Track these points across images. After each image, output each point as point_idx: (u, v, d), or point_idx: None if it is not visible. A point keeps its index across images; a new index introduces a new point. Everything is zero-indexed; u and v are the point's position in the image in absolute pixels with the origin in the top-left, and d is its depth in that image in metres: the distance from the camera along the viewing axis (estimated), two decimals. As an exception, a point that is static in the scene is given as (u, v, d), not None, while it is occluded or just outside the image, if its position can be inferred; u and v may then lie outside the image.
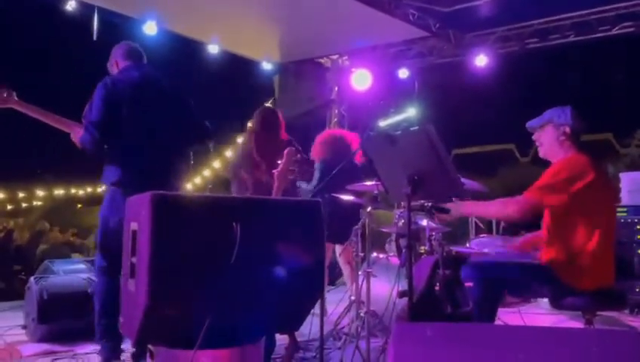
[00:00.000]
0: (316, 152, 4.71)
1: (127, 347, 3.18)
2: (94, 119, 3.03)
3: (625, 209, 5.30)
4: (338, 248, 4.66)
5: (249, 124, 3.77)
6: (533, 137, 3.00)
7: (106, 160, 3.15)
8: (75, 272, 4.32)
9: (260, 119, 3.52)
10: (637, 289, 5.08)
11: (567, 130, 2.84)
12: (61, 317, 3.87)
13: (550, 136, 2.90)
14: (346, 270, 4.72)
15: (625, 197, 5.48)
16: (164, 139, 3.15)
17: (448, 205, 2.89)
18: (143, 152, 3.09)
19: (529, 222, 3.23)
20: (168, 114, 3.18)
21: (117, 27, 6.66)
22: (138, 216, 2.16)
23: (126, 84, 3.12)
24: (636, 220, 5.22)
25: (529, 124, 3.01)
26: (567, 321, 4.66)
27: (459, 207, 2.89)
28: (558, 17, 7.02)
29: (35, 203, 18.53)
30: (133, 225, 2.22)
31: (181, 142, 3.26)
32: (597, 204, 2.70)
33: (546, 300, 4.57)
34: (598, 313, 2.97)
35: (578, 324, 3.44)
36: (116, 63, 3.34)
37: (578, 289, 2.69)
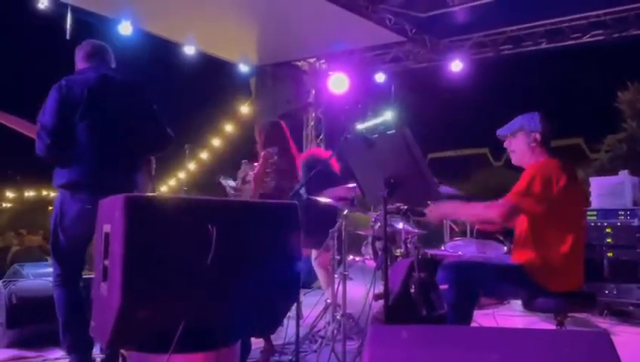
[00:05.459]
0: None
1: (97, 352, 3.12)
2: (47, 124, 2.90)
3: (594, 212, 5.41)
4: (314, 252, 4.66)
5: (262, 136, 4.31)
6: (505, 145, 3.01)
7: (57, 163, 3.01)
8: (45, 276, 4.21)
9: (280, 132, 4.32)
10: (606, 292, 5.19)
11: (538, 136, 2.87)
12: (30, 322, 3.77)
13: (521, 143, 2.92)
14: (321, 274, 4.71)
15: (594, 201, 5.59)
16: (119, 142, 3.01)
17: (429, 207, 2.87)
18: (94, 156, 2.94)
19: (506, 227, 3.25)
20: (126, 117, 3.04)
21: (91, 26, 6.55)
22: (111, 218, 2.13)
23: (82, 86, 2.96)
24: (605, 224, 5.33)
25: (499, 132, 3.02)
26: (540, 323, 4.73)
27: (440, 208, 2.88)
28: (531, 25, 7.16)
29: (4, 205, 18.11)
30: (106, 228, 2.18)
31: (138, 146, 3.11)
32: (570, 207, 2.74)
33: (519, 302, 4.62)
34: (569, 315, 3.02)
35: (550, 326, 3.50)
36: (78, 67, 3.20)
37: (550, 291, 2.73)
